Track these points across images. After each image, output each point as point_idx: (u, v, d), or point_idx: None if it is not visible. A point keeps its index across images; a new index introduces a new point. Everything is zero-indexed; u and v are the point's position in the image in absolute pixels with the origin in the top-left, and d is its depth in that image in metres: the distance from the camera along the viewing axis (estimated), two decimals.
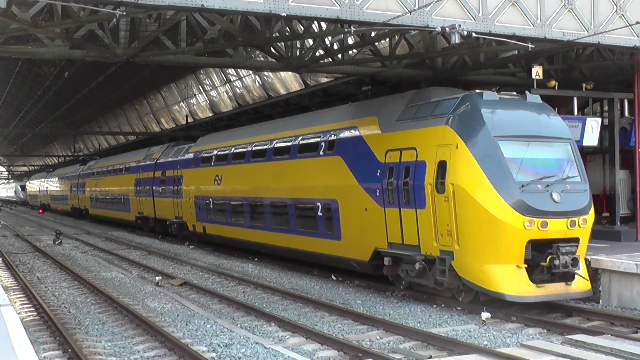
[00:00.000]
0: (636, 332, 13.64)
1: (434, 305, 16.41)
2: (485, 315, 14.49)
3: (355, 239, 18.98)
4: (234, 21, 18.44)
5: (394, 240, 17.24)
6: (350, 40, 21.05)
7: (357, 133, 19.14)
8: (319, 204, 20.53)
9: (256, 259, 26.07)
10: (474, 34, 15.03)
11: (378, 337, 13.46)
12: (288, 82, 34.67)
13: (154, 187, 36.94)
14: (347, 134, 19.64)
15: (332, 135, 20.25)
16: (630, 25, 16.91)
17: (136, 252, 30.69)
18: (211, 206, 28.96)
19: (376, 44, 21.69)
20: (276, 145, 23.70)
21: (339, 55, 22.00)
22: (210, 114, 45.34)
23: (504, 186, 14.94)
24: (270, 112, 37.58)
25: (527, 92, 16.94)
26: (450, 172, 15.40)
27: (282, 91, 35.64)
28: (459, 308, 15.95)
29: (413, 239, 16.53)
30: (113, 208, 46.40)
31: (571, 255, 15.00)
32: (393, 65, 21.67)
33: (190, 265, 24.91)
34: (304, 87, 33.44)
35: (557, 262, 14.79)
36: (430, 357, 11.74)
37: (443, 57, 21.60)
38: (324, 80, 31.18)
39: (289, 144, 22.78)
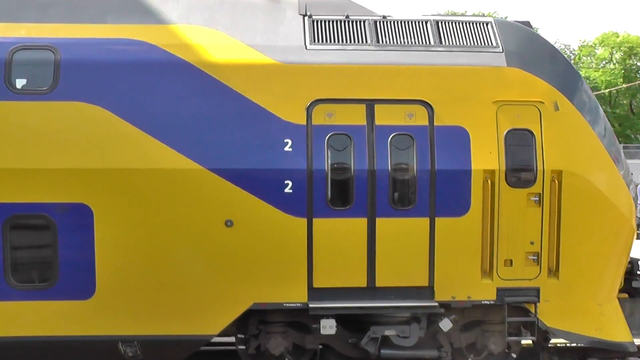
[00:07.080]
0: None
1: None
2: None
3: (156, 292, 9.59)
4: None
5: (330, 282, 9.58)
6: None
7: (180, 57, 9.50)
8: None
9: None
10: None
11: None
12: None
13: None
14: (128, 53, 9.59)
15: (58, 51, 9.51)
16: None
17: None
18: None
19: None
20: None
21: None
22: None
23: (624, 174, 10.07)
24: None
25: None
26: (552, 150, 9.46)
27: None
28: None
29: (410, 274, 9.63)
30: None
31: None
32: None
33: None
34: None
35: None
36: None
37: None
38: None
39: None
